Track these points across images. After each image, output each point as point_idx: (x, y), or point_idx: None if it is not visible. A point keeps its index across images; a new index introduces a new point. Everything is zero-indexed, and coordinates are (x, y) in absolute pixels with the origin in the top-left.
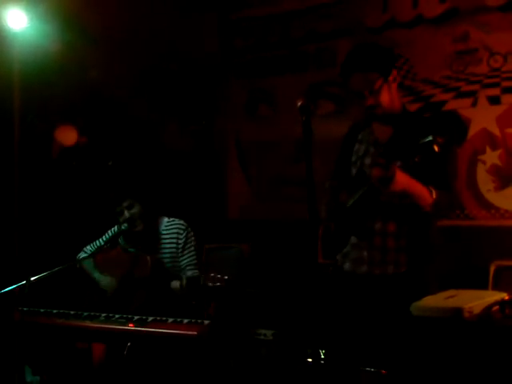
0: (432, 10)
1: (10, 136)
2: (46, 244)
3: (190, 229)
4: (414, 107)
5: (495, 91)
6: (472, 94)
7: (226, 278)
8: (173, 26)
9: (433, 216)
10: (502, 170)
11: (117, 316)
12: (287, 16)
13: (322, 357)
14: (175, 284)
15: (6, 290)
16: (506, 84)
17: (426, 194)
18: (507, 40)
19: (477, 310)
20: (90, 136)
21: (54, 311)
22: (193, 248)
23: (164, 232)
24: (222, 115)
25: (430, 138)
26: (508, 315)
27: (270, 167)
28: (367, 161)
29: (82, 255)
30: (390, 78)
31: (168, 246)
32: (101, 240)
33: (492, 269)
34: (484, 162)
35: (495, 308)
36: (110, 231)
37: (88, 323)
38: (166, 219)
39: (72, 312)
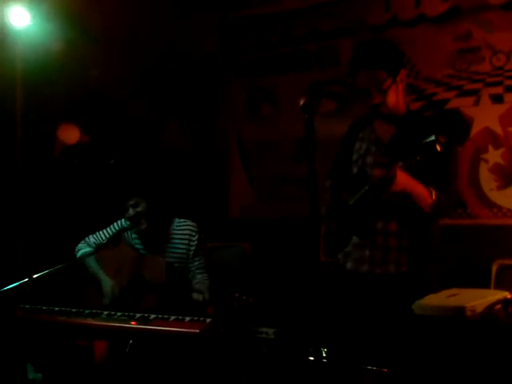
0: (434, 8)
1: (13, 134)
2: (48, 242)
3: (200, 231)
4: (416, 106)
5: (498, 90)
6: (475, 93)
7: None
8: (173, 25)
9: (432, 216)
10: (504, 169)
11: (119, 314)
12: (289, 15)
13: (324, 355)
14: (197, 297)
15: (9, 287)
16: (508, 82)
17: (426, 196)
18: (510, 38)
19: (479, 309)
20: (92, 134)
21: (56, 309)
22: (203, 251)
23: (175, 233)
24: (223, 114)
25: (433, 137)
26: (510, 314)
27: (272, 166)
28: (368, 160)
29: (84, 247)
30: (399, 79)
31: (178, 246)
32: (105, 231)
33: (494, 268)
34: (486, 161)
35: (498, 307)
36: (115, 224)
37: (90, 321)
38: (176, 220)
39: (74, 310)
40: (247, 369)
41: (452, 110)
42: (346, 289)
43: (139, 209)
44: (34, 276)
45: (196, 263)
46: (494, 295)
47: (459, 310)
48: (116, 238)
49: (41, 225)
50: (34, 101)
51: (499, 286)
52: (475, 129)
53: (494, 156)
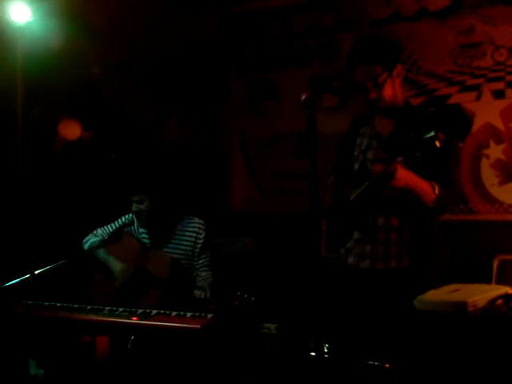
0: (436, 3)
1: (14, 130)
2: (50, 238)
3: (207, 229)
4: (418, 101)
5: (500, 85)
6: (476, 88)
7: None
8: (174, 20)
9: (436, 211)
10: (505, 165)
11: (120, 309)
12: (290, 9)
13: (326, 350)
14: (199, 294)
15: (11, 283)
16: (510, 78)
17: (429, 190)
18: None
19: (481, 304)
20: (93, 130)
21: (58, 304)
22: (209, 248)
23: (182, 229)
24: (225, 109)
25: (432, 133)
26: None
27: (274, 161)
28: (370, 155)
29: (92, 238)
30: (394, 73)
31: (184, 243)
32: (112, 225)
33: (496, 263)
34: (488, 157)
35: (499, 302)
36: (123, 217)
37: (92, 316)
38: (186, 217)
39: (76, 305)
40: (249, 364)
41: (453, 105)
42: (347, 284)
43: (142, 205)
44: (36, 272)
45: (201, 261)
46: (495, 290)
47: (461, 305)
48: (118, 233)
49: (42, 220)
50: (34, 97)
51: (500, 281)
52: (477, 124)
53: (496, 151)
